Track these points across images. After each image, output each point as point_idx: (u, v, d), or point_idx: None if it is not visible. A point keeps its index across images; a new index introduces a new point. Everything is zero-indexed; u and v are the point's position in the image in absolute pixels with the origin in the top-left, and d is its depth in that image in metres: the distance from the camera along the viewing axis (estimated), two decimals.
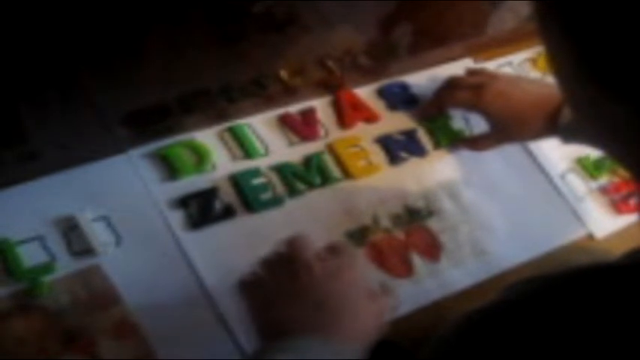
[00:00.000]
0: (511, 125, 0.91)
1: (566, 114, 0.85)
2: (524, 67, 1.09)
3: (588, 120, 0.48)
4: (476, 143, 0.96)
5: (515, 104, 0.90)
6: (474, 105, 0.93)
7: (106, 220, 0.77)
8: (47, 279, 0.73)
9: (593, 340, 0.41)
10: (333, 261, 0.67)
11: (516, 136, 0.93)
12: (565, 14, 0.42)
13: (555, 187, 0.97)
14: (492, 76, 0.94)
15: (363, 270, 0.69)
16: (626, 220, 0.96)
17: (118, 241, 0.77)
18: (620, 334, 0.41)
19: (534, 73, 1.08)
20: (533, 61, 1.09)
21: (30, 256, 0.73)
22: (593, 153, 1.00)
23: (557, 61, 0.46)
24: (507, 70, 1.07)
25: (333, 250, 0.69)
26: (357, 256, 0.70)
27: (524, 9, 1.05)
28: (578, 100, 0.47)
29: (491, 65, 1.07)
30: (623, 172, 0.99)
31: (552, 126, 0.87)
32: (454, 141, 0.96)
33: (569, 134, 0.87)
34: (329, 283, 0.65)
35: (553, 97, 0.87)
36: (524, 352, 0.43)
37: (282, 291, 0.65)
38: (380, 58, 0.96)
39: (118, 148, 0.81)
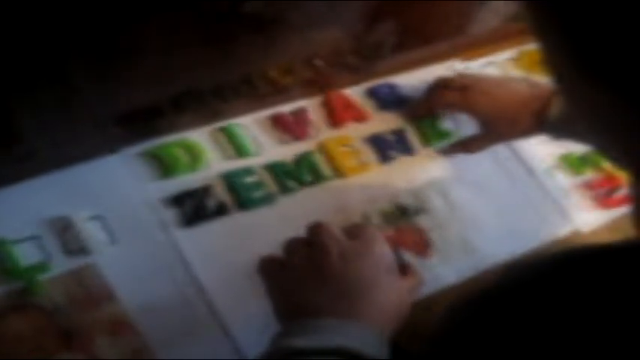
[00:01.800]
0: (499, 125, 0.92)
1: (554, 111, 0.86)
2: (506, 66, 1.09)
3: (582, 113, 0.48)
4: (467, 145, 0.96)
5: (502, 104, 0.90)
6: (462, 106, 0.93)
7: (100, 219, 0.77)
8: (43, 278, 0.72)
9: (597, 323, 0.42)
10: (354, 243, 0.67)
11: (505, 135, 0.94)
12: (559, 8, 0.42)
13: (541, 184, 0.98)
14: (479, 77, 0.95)
15: (385, 250, 0.68)
16: (611, 214, 0.97)
17: (113, 239, 0.76)
18: (620, 315, 0.41)
19: (517, 72, 1.09)
20: (516, 61, 1.10)
21: (26, 255, 0.73)
22: (577, 150, 1.01)
23: (550, 55, 0.46)
24: (491, 69, 1.08)
25: (353, 232, 0.69)
26: (378, 237, 0.69)
27: (507, 10, 1.06)
28: (571, 93, 0.48)
29: (474, 65, 1.07)
30: (606, 168, 1.00)
31: (540, 124, 0.88)
32: (445, 144, 0.97)
33: (557, 131, 0.87)
34: (350, 266, 0.65)
35: (539, 95, 0.88)
36: (528, 336, 0.43)
37: (304, 274, 0.65)
38: (367, 58, 0.96)
39: (112, 148, 0.81)
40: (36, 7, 0.60)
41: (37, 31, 0.62)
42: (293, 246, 0.68)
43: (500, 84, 0.93)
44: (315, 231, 0.68)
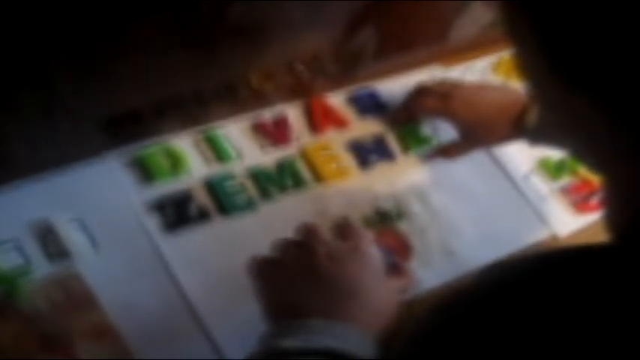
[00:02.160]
0: (478, 131, 0.93)
1: (532, 118, 0.87)
2: (485, 72, 1.11)
3: (556, 117, 0.49)
4: (447, 151, 0.97)
5: (482, 111, 0.92)
6: (442, 112, 0.94)
7: (82, 223, 0.76)
8: (23, 282, 0.72)
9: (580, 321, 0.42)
10: (342, 245, 0.68)
11: (484, 141, 0.95)
12: (534, 11, 0.43)
13: (519, 189, 0.99)
14: (458, 84, 0.95)
15: (373, 251, 0.68)
16: (588, 219, 0.98)
17: (95, 244, 0.76)
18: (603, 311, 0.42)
19: (496, 78, 1.10)
20: (495, 66, 1.12)
21: (6, 259, 0.72)
22: (554, 155, 1.02)
23: (525, 60, 0.47)
24: (470, 75, 1.09)
25: (343, 232, 0.69)
26: (367, 237, 0.69)
27: (485, 17, 1.08)
28: (545, 96, 0.48)
29: (454, 71, 1.08)
30: (583, 173, 1.02)
31: (518, 130, 0.89)
32: (426, 150, 0.98)
33: (535, 137, 0.89)
34: (338, 267, 0.65)
35: (517, 102, 0.89)
36: (508, 337, 0.43)
37: (293, 275, 0.66)
38: (347, 64, 0.97)
39: (94, 153, 0.81)
40: (18, 11, 0.60)
41: (19, 36, 0.62)
42: (283, 246, 0.69)
43: (478, 91, 0.94)
44: (304, 232, 0.69)
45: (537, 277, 0.45)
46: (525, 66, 0.47)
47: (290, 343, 0.60)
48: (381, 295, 0.66)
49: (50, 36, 0.64)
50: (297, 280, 0.66)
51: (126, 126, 0.80)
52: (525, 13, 0.43)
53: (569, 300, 0.42)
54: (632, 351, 0.39)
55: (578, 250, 0.47)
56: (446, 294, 0.49)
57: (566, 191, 1.01)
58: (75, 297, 0.73)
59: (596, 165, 0.50)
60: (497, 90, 0.95)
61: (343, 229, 0.70)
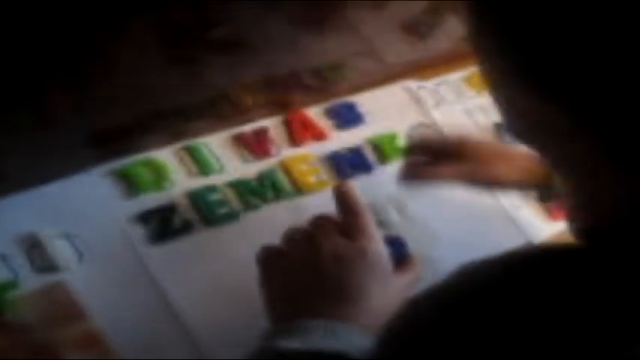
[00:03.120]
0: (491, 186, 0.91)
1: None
2: (459, 85, 1.14)
3: (523, 125, 0.48)
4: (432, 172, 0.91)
5: (505, 176, 0.88)
6: (461, 178, 0.89)
7: (68, 237, 0.78)
8: (11, 296, 0.73)
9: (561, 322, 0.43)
10: (350, 246, 0.67)
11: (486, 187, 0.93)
12: (498, 13, 0.43)
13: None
14: (476, 147, 0.90)
15: (380, 251, 0.68)
16: (561, 225, 1.01)
17: (81, 257, 0.77)
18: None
19: (469, 92, 1.13)
20: (468, 80, 1.15)
21: None
22: None
23: (491, 70, 0.47)
24: (444, 88, 1.12)
25: (352, 228, 0.69)
26: (375, 237, 0.69)
27: (458, 32, 1.11)
28: (512, 106, 0.48)
29: (428, 84, 1.11)
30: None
31: (542, 195, 0.91)
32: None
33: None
34: (344, 269, 0.66)
35: (537, 171, 0.86)
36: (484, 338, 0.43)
37: (299, 272, 0.66)
38: (325, 79, 1.00)
39: (80, 167, 0.82)
40: (8, 28, 0.61)
41: (9, 53, 0.64)
42: (292, 239, 0.69)
43: (500, 154, 0.89)
44: (314, 226, 0.69)
45: (504, 277, 0.46)
46: (492, 76, 0.47)
47: (292, 344, 0.60)
48: (386, 298, 0.66)
49: (40, 53, 0.66)
50: (301, 276, 0.66)
51: (112, 141, 0.82)
52: (494, 21, 0.44)
53: (534, 299, 0.44)
54: (591, 349, 0.40)
55: (549, 250, 0.49)
56: (414, 297, 0.51)
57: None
58: (63, 308, 0.74)
59: (561, 171, 0.50)
60: (518, 154, 0.89)
61: (354, 225, 0.70)
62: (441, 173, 0.89)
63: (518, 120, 0.48)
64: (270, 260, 0.69)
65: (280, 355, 0.60)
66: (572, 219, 0.52)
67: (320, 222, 0.70)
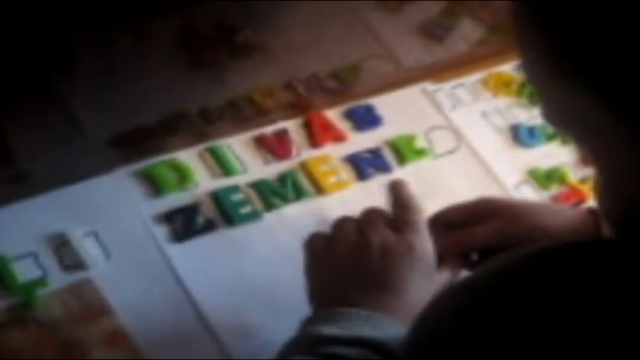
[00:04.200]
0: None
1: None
2: (476, 87, 1.14)
3: (557, 113, 0.49)
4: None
5: (542, 223, 0.77)
6: (500, 235, 0.76)
7: (95, 235, 0.80)
8: (41, 293, 0.75)
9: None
10: (397, 239, 0.69)
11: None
12: (540, 9, 0.44)
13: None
14: (498, 203, 0.83)
15: (426, 249, 0.69)
16: None
17: (107, 255, 0.79)
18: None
19: (486, 94, 1.14)
20: (485, 82, 1.15)
21: (24, 271, 0.76)
22: (542, 166, 1.05)
23: (528, 58, 0.47)
24: (461, 90, 1.13)
25: (402, 222, 0.70)
26: (423, 234, 0.69)
27: (474, 34, 1.12)
28: (546, 93, 0.49)
29: (445, 87, 1.12)
30: (571, 182, 1.05)
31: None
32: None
33: None
34: (389, 262, 0.67)
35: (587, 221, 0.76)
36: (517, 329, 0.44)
37: (344, 262, 0.68)
38: (343, 81, 1.01)
39: (106, 168, 0.84)
40: (36, 32, 0.63)
41: (30, 54, 0.66)
42: (341, 228, 0.70)
43: (539, 214, 0.79)
44: (365, 217, 0.71)
45: (538, 270, 0.47)
46: (528, 64, 0.48)
47: (332, 330, 0.61)
48: (427, 294, 0.64)
49: (67, 56, 0.68)
50: (347, 265, 0.67)
51: (136, 142, 0.84)
52: (533, 11, 0.45)
53: (568, 292, 0.44)
54: (629, 342, 0.41)
55: (583, 244, 0.49)
56: (447, 289, 0.52)
57: (556, 199, 1.04)
58: (90, 305, 0.76)
59: (597, 162, 0.50)
60: (556, 212, 0.83)
61: (403, 219, 0.71)
62: (474, 235, 0.77)
63: (555, 110, 0.49)
64: (317, 246, 0.70)
65: (322, 340, 0.61)
66: (607, 212, 0.51)
67: (370, 214, 0.71)
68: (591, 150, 0.49)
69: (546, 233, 0.74)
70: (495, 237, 0.75)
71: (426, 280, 0.68)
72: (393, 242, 0.69)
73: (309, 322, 0.65)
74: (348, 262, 0.68)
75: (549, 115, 0.50)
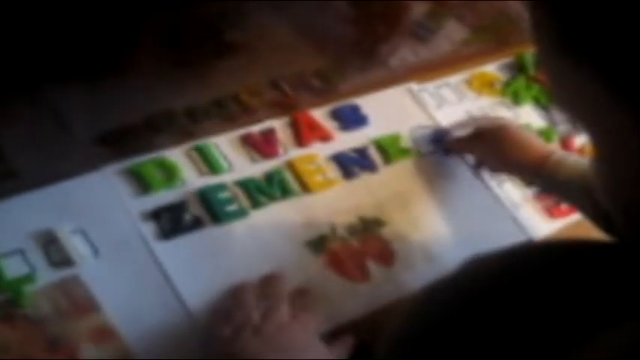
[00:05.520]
0: (505, 160, 0.99)
1: (551, 163, 0.92)
2: (460, 87, 1.17)
3: (567, 94, 0.51)
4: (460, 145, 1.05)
5: (514, 148, 0.97)
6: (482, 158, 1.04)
7: (83, 232, 0.81)
8: (29, 289, 0.76)
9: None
10: (272, 321, 0.76)
11: (500, 167, 1.02)
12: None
13: (495, 196, 1.05)
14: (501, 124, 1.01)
15: (298, 336, 0.77)
16: (560, 223, 1.04)
17: (95, 252, 0.80)
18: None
19: (470, 93, 1.17)
20: (469, 82, 1.18)
21: (12, 268, 0.76)
22: None
23: (539, 39, 0.50)
24: (445, 90, 1.15)
25: (267, 310, 0.78)
26: (286, 323, 0.77)
27: (459, 35, 1.15)
28: (554, 71, 0.51)
29: (430, 86, 1.15)
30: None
31: (535, 171, 0.94)
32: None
33: (547, 183, 0.95)
34: (267, 345, 0.74)
35: (544, 148, 0.95)
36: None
37: (227, 345, 0.74)
38: (329, 80, 1.04)
39: (93, 166, 0.85)
40: (22, 29, 0.65)
41: (22, 54, 0.67)
42: (241, 299, 0.79)
43: (518, 132, 0.99)
44: (235, 302, 0.79)
45: (511, 273, 0.50)
46: (539, 45, 0.50)
47: None
48: None
49: (54, 54, 0.69)
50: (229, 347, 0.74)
51: (123, 140, 0.85)
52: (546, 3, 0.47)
53: (566, 293, 0.47)
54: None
55: (576, 245, 0.52)
56: (421, 291, 0.54)
57: (538, 197, 1.07)
58: (78, 302, 0.77)
59: (597, 142, 0.52)
60: (530, 135, 1.00)
61: (268, 306, 0.79)
62: (468, 148, 1.05)
63: (562, 92, 0.51)
64: (220, 316, 0.79)
65: None
66: (611, 197, 0.53)
67: (238, 297, 0.80)
68: (594, 133, 0.51)
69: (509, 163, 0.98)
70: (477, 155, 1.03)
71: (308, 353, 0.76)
72: (266, 322, 0.76)
73: None
74: (230, 346, 0.75)
75: (558, 97, 0.52)
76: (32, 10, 0.65)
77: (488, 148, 1.01)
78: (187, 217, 0.87)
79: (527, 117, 1.18)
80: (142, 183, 0.87)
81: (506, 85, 1.20)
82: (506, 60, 1.25)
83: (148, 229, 0.84)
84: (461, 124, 1.06)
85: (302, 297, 0.83)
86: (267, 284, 0.82)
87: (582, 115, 0.51)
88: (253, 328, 0.75)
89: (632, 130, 0.46)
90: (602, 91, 0.45)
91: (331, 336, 0.80)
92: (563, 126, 1.17)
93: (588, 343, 0.43)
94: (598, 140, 0.51)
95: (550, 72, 0.51)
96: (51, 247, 0.79)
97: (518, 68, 1.23)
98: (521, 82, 1.20)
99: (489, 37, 1.23)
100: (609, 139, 0.50)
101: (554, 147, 0.97)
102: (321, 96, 1.04)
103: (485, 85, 1.19)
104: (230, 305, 0.79)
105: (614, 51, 0.43)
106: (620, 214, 0.53)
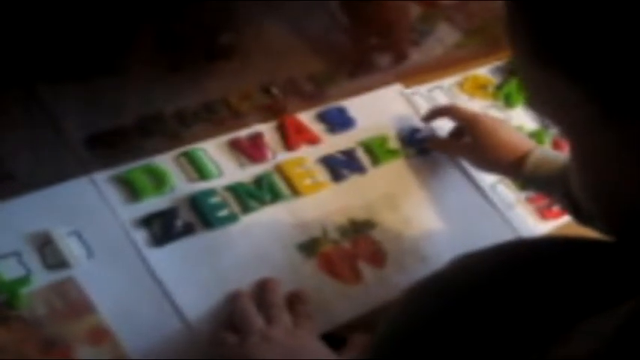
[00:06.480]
0: (483, 158, 1.07)
1: (530, 164, 0.99)
2: (452, 90, 1.25)
3: (543, 101, 0.55)
4: (441, 145, 1.14)
5: (492, 147, 1.04)
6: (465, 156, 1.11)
7: (78, 234, 0.87)
8: (24, 291, 0.82)
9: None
10: (252, 337, 0.82)
11: (480, 165, 1.09)
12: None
13: (487, 198, 1.12)
14: (476, 118, 1.07)
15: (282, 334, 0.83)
16: (552, 225, 1.12)
17: (91, 253, 0.86)
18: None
19: (462, 96, 1.24)
20: (460, 85, 1.26)
21: (8, 270, 0.82)
22: None
23: (514, 44, 0.53)
24: (437, 93, 1.23)
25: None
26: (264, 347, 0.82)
27: (450, 38, 1.22)
28: (528, 75, 0.54)
29: (422, 89, 1.22)
30: None
31: (516, 171, 1.01)
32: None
33: (528, 180, 1.02)
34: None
35: (523, 144, 1.02)
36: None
37: (249, 336, 0.82)
38: (319, 85, 1.11)
39: (83, 169, 0.91)
40: (15, 32, 0.70)
41: (15, 56, 0.73)
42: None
43: (497, 124, 1.06)
44: (235, 310, 0.86)
45: (504, 269, 0.54)
46: (514, 49, 0.54)
47: None
48: None
49: (46, 58, 0.75)
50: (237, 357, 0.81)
51: (112, 144, 0.91)
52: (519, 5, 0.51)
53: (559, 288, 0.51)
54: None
55: (563, 241, 0.57)
56: (411, 288, 0.59)
57: (530, 200, 1.14)
58: (73, 304, 0.83)
59: (571, 138, 0.55)
60: (510, 128, 1.08)
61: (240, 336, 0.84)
62: (451, 147, 1.13)
63: (535, 92, 0.55)
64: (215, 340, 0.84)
65: None
66: (586, 193, 0.57)
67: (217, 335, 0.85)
68: (565, 130, 0.55)
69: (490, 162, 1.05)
70: (462, 154, 1.11)
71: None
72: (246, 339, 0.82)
73: None
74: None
75: (531, 97, 0.56)
76: (26, 14, 0.69)
77: (467, 147, 1.09)
78: (179, 223, 0.93)
79: (520, 119, 1.25)
80: (131, 190, 0.93)
81: (499, 87, 1.28)
82: (498, 63, 1.33)
83: (140, 236, 0.90)
84: (431, 113, 1.14)
85: (302, 303, 0.89)
86: (264, 291, 0.89)
87: (550, 111, 0.55)
88: (260, 334, 0.81)
89: (598, 123, 0.49)
90: (571, 87, 0.49)
91: (323, 338, 0.86)
92: (554, 128, 1.24)
93: (567, 334, 0.47)
94: (566, 136, 0.56)
95: (524, 72, 0.55)
96: (46, 249, 0.85)
97: (510, 71, 1.30)
98: (513, 84, 1.28)
99: (481, 40, 1.29)
100: (576, 133, 0.54)
101: (532, 143, 1.03)
102: (311, 99, 1.11)
103: (478, 88, 1.26)
104: (230, 313, 0.86)
105: (582, 46, 0.47)
106: (598, 212, 0.56)
